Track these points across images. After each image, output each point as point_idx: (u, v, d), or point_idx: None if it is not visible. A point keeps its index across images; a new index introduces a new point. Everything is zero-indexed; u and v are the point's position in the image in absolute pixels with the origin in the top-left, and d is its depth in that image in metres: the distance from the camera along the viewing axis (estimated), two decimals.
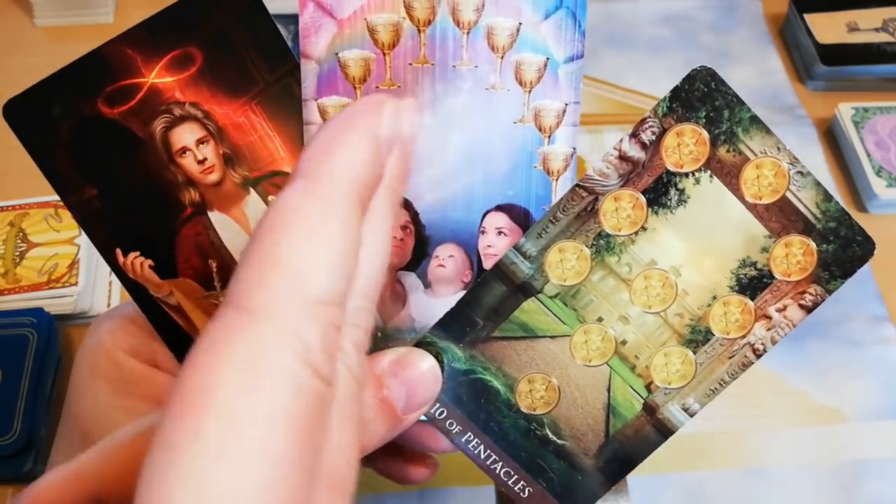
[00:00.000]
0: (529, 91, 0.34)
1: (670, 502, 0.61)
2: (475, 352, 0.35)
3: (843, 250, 0.33)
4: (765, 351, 0.34)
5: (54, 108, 0.34)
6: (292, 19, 0.85)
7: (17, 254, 0.66)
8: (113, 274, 0.66)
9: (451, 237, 0.36)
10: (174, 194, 0.35)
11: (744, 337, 0.35)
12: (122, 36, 0.34)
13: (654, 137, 0.34)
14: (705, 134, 0.33)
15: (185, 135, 0.34)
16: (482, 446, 0.36)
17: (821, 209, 0.33)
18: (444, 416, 0.36)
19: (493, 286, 0.35)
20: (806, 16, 0.87)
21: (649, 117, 0.34)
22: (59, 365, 0.63)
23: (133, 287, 0.35)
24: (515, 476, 0.36)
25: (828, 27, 0.86)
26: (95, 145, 0.34)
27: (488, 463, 0.36)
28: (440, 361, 0.35)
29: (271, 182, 0.35)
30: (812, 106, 0.85)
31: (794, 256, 0.34)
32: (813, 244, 0.33)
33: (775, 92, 0.87)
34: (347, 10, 0.34)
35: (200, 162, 0.35)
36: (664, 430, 0.35)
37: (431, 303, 0.36)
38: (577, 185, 0.34)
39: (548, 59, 0.34)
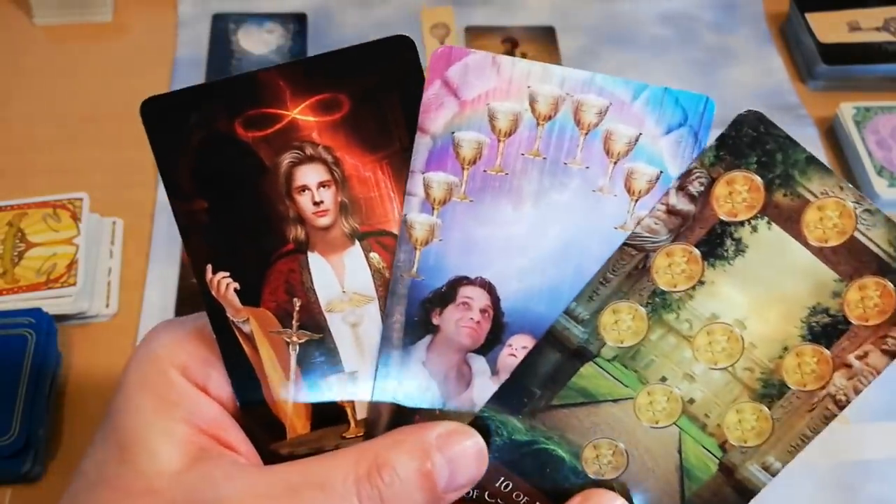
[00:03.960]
0: (637, 200, 0.33)
1: None
2: (535, 422, 0.34)
3: None
4: (848, 402, 0.33)
5: (192, 116, 0.34)
6: (291, 18, 0.84)
7: (15, 254, 0.65)
8: (111, 274, 0.66)
9: (528, 329, 0.34)
10: (280, 227, 0.35)
11: (823, 388, 0.33)
12: (279, 67, 0.34)
13: (702, 188, 0.32)
14: (758, 179, 0.32)
15: (310, 174, 0.34)
16: None
17: (895, 247, 0.32)
18: (509, 489, 0.35)
19: (547, 354, 0.34)
20: (807, 15, 0.87)
21: (695, 168, 0.32)
22: (58, 365, 0.62)
23: (211, 304, 0.35)
24: None
25: (829, 26, 0.86)
26: (220, 161, 0.34)
27: None
28: (490, 440, 0.34)
29: (378, 240, 0.35)
30: (813, 105, 0.85)
31: (870, 299, 0.32)
32: (891, 285, 0.32)
33: (776, 91, 0.86)
34: (472, 92, 0.33)
35: (316, 203, 0.35)
36: (744, 492, 0.34)
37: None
38: (625, 244, 0.33)
39: (661, 172, 0.33)
